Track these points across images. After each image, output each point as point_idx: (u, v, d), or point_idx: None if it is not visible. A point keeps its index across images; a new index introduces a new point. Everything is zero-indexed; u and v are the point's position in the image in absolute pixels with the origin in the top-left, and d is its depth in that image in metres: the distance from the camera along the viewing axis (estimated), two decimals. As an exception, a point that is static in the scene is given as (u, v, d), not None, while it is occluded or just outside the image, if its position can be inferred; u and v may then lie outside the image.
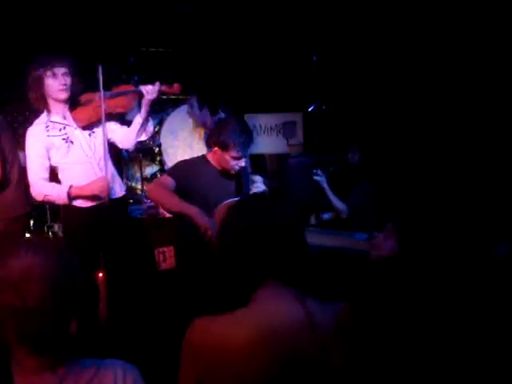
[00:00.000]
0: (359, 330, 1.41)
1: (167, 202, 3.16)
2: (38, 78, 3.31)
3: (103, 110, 3.36)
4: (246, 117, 5.60)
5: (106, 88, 3.48)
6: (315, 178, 4.06)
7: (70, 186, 3.36)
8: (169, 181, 3.18)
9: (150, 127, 3.69)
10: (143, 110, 3.52)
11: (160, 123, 5.38)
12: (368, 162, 4.11)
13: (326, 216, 4.30)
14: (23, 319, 1.28)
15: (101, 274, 3.91)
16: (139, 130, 3.58)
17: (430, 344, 1.51)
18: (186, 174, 3.24)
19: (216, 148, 3.22)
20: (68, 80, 3.36)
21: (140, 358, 1.53)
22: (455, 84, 4.38)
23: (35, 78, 3.32)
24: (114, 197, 3.56)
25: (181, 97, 5.55)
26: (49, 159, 3.40)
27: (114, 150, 3.80)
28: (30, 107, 3.53)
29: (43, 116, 3.42)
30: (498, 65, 4.10)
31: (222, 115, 4.89)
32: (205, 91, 5.01)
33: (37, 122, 3.42)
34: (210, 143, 3.29)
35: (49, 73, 3.30)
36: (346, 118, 5.28)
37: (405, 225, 1.89)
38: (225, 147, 3.16)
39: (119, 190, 3.64)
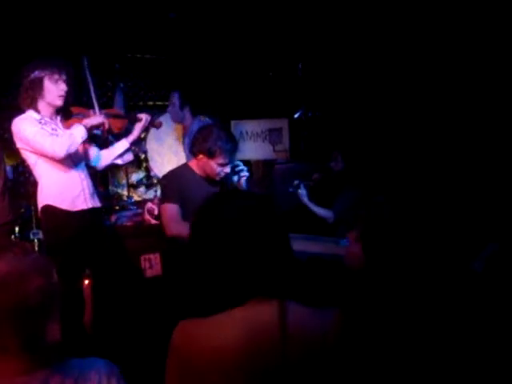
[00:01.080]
0: (350, 338, 1.42)
1: None
2: (37, 79, 3.27)
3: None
4: (233, 123, 5.63)
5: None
6: (298, 191, 4.06)
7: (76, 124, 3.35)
8: (175, 209, 3.14)
9: (130, 156, 3.74)
10: (133, 135, 3.61)
11: (146, 130, 5.37)
12: (352, 169, 4.14)
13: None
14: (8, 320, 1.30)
15: (87, 281, 3.90)
16: (119, 155, 3.61)
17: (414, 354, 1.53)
18: (178, 187, 3.22)
19: (201, 156, 3.20)
20: (66, 88, 3.35)
21: (127, 365, 1.53)
22: (439, 91, 4.44)
23: (34, 80, 3.27)
24: (93, 206, 3.56)
25: (167, 103, 5.56)
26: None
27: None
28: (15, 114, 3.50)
29: (33, 113, 3.34)
30: (479, 75, 4.16)
31: (203, 119, 4.88)
32: (188, 90, 4.96)
33: (27, 114, 3.33)
34: (194, 151, 3.26)
35: (51, 76, 3.28)
36: (331, 125, 5.31)
37: (369, 232, 1.83)
38: (211, 154, 3.15)
39: (97, 202, 3.63)
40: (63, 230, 3.38)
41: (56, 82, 3.29)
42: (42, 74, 3.27)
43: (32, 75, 3.27)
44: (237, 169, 3.31)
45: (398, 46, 4.68)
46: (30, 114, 3.33)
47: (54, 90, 3.30)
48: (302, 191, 4.06)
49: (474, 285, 2.80)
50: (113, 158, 3.64)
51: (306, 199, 4.06)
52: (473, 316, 1.91)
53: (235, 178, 3.34)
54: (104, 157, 3.65)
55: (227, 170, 3.24)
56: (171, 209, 3.15)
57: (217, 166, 3.18)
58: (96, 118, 3.43)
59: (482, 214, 3.66)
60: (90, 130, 3.36)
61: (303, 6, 4.98)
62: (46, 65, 3.29)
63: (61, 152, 3.20)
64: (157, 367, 1.46)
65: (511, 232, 3.19)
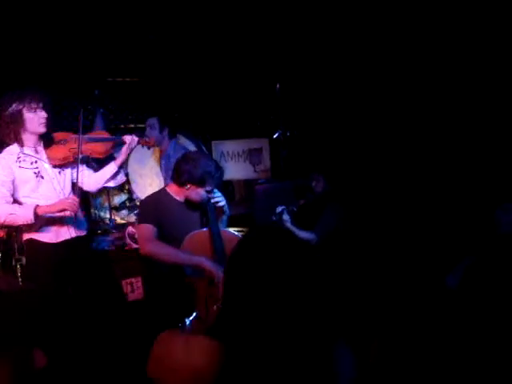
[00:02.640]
0: None
1: (170, 255, 3.10)
2: (16, 112, 3.28)
3: (79, 153, 3.38)
4: (214, 143, 5.69)
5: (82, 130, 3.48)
6: (282, 217, 4.06)
7: (37, 205, 3.25)
8: (151, 229, 3.15)
9: (122, 177, 3.70)
10: (120, 158, 3.57)
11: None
12: (334, 189, 4.18)
13: None
14: None
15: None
16: (110, 177, 3.59)
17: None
18: (156, 212, 3.23)
19: (189, 185, 3.21)
20: (46, 114, 3.35)
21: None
22: (417, 108, 4.51)
23: (13, 113, 3.28)
24: (77, 235, 3.52)
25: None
26: (16, 190, 3.32)
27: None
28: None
29: (14, 147, 3.35)
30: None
31: (179, 142, 4.94)
32: (167, 114, 5.02)
33: (7, 151, 3.35)
34: (182, 181, 3.23)
35: (29, 107, 3.28)
36: (310, 144, 5.37)
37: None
38: (202, 183, 3.17)
39: (83, 229, 3.60)
40: (46, 262, 3.36)
41: (35, 110, 3.30)
42: (20, 106, 3.28)
43: (10, 109, 3.28)
44: (214, 199, 3.32)
45: (375, 65, 4.76)
46: (11, 148, 3.34)
47: (35, 119, 3.31)
48: (285, 217, 4.05)
49: (448, 300, 2.84)
50: (103, 182, 3.63)
51: (288, 224, 4.05)
52: (447, 332, 1.95)
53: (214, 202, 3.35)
54: (96, 180, 3.64)
55: (212, 194, 3.28)
56: (147, 228, 3.17)
57: (205, 193, 3.22)
58: (57, 206, 3.33)
59: (459, 229, 3.72)
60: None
61: (280, 26, 5.06)
62: (22, 96, 3.30)
63: None
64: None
65: (487, 245, 3.24)
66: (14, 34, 4.82)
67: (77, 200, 3.32)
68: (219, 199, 3.34)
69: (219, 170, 3.25)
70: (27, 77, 4.80)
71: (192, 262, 3.04)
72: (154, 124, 4.82)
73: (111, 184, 3.71)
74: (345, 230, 4.06)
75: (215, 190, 3.32)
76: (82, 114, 3.50)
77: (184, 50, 5.61)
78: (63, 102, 5.25)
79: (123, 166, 3.73)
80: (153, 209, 3.27)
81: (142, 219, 3.32)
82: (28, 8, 4.59)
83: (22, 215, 3.23)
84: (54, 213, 3.35)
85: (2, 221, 3.24)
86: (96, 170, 3.77)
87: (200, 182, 3.17)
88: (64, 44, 5.14)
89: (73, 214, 3.33)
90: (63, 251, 3.42)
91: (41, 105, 3.33)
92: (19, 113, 3.29)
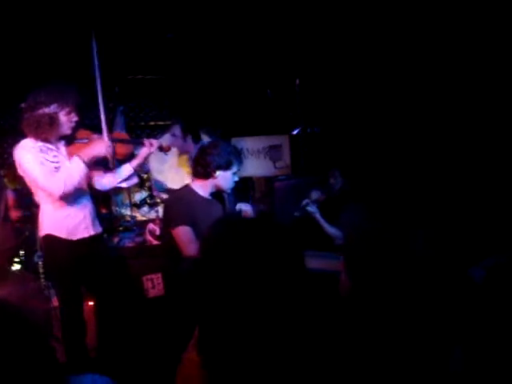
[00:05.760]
0: None
1: None
2: (53, 114, 3.20)
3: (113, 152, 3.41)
4: (233, 140, 5.68)
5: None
6: (308, 209, 4.01)
7: (78, 155, 3.23)
8: (189, 231, 3.20)
9: (135, 179, 3.72)
10: (137, 161, 3.59)
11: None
12: (352, 186, 4.14)
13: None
14: None
15: (91, 303, 3.93)
16: (124, 179, 3.61)
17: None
18: (188, 211, 3.27)
19: (218, 172, 3.29)
20: (77, 118, 3.31)
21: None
22: (437, 105, 4.45)
23: (49, 114, 3.18)
24: (95, 233, 3.53)
25: (168, 123, 5.62)
26: None
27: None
28: (9, 139, 3.48)
29: (33, 140, 3.22)
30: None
31: (205, 142, 4.93)
32: (188, 120, 5.00)
33: (28, 142, 3.21)
34: (209, 171, 3.29)
35: (68, 109, 3.23)
36: (330, 140, 5.34)
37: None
38: (229, 165, 3.30)
39: (99, 227, 3.62)
40: (63, 259, 3.35)
41: (69, 114, 3.25)
42: (58, 109, 3.21)
43: (47, 109, 3.18)
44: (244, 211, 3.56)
45: (395, 61, 4.71)
46: (32, 142, 3.21)
47: (67, 122, 3.27)
48: (312, 208, 3.99)
49: (472, 294, 2.79)
50: (117, 182, 3.64)
51: (318, 215, 3.99)
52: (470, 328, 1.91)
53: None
54: (109, 180, 3.64)
55: (237, 177, 3.42)
56: (187, 231, 3.20)
57: (232, 175, 3.35)
58: (96, 147, 3.30)
59: (488, 225, 3.65)
60: (91, 160, 3.27)
61: (299, 22, 5.04)
62: (61, 98, 3.21)
63: (57, 192, 3.16)
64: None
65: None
66: (33, 32, 4.85)
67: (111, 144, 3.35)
68: (247, 208, 3.57)
69: (236, 149, 3.54)
70: (47, 74, 4.82)
71: None
72: (177, 133, 4.79)
73: (124, 185, 3.71)
74: (369, 229, 4.01)
75: (245, 204, 3.46)
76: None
77: (203, 47, 5.62)
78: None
79: (138, 169, 3.73)
80: (185, 208, 3.30)
81: (178, 221, 3.27)
82: (49, 7, 4.62)
83: (76, 169, 3.19)
84: (94, 155, 3.28)
85: (64, 185, 3.16)
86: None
87: (228, 165, 3.30)
88: (84, 42, 5.16)
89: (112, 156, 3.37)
90: (81, 249, 3.41)
91: (74, 107, 3.26)
92: (55, 115, 3.20)
